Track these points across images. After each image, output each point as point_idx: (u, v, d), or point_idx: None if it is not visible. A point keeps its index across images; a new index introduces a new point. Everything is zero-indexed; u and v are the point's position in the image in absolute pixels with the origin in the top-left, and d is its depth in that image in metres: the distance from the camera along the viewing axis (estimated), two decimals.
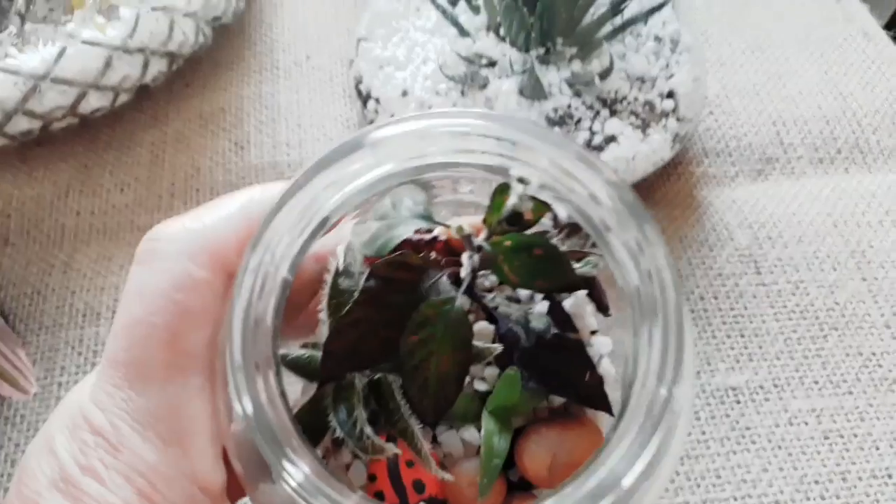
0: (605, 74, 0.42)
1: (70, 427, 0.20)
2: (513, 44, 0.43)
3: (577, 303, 0.26)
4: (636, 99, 0.43)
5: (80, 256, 0.42)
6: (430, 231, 0.25)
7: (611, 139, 0.42)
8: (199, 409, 0.21)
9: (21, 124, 0.42)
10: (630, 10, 0.44)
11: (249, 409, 0.19)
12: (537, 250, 0.23)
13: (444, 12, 0.43)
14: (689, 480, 0.37)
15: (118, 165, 0.46)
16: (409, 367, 0.22)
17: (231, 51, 0.51)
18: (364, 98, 0.44)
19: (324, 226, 0.22)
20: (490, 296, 0.26)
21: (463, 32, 0.44)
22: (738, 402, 0.39)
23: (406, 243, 0.25)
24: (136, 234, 0.43)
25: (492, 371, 0.24)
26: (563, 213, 0.23)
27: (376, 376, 0.23)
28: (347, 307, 0.23)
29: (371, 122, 0.44)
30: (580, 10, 0.42)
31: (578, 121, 0.42)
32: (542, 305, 0.25)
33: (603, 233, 0.21)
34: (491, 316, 0.25)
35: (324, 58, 0.51)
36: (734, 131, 0.50)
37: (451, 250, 0.26)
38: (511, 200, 0.23)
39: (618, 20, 0.44)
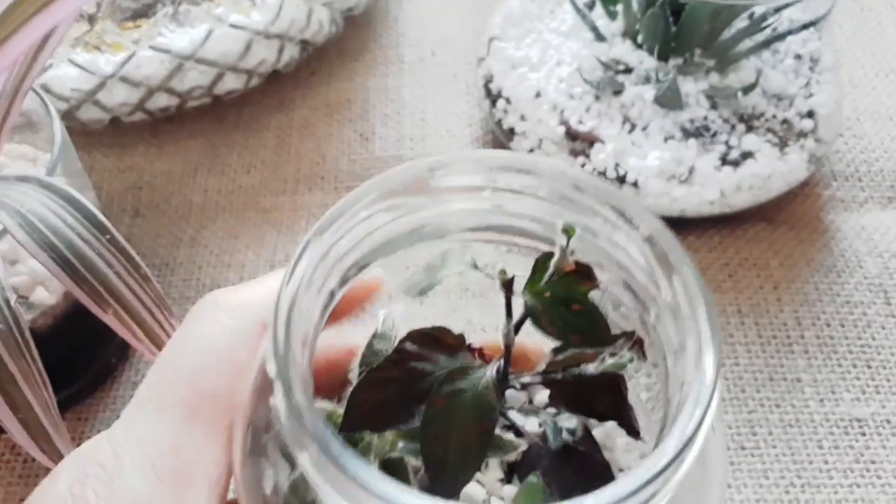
0: (748, 89, 0.41)
1: (78, 456, 0.20)
2: (650, 52, 0.42)
3: (606, 433, 0.25)
4: (774, 116, 0.42)
5: (207, 233, 0.43)
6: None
7: (747, 155, 0.41)
8: (203, 455, 0.20)
9: (160, 101, 0.43)
10: (777, 26, 0.43)
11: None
12: (576, 305, 0.23)
13: (582, 16, 0.43)
14: None
15: (245, 147, 0.47)
16: (431, 434, 0.21)
17: (357, 42, 0.52)
18: (493, 97, 0.44)
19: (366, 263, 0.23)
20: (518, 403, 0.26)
21: (599, 37, 0.43)
22: (864, 434, 0.38)
23: (444, 332, 0.24)
24: (261, 214, 0.44)
25: (510, 490, 0.24)
26: (604, 277, 0.23)
27: (392, 454, 0.23)
28: (378, 363, 0.23)
29: (499, 121, 0.44)
30: (722, 23, 0.42)
31: (715, 134, 0.41)
32: (570, 421, 0.25)
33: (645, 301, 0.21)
34: (516, 429, 0.24)
35: (448, 55, 0.51)
36: (865, 156, 0.48)
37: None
38: (554, 260, 0.23)
39: (760, 36, 0.43)
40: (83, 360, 0.36)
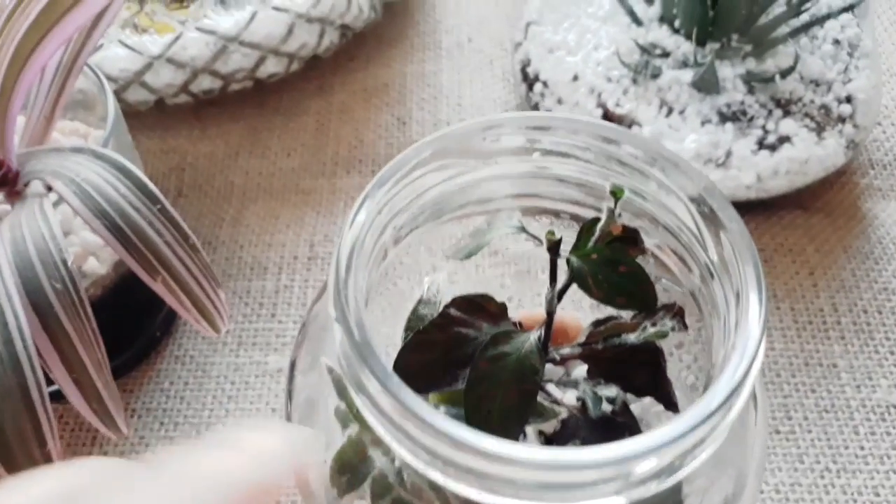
0: (786, 73, 0.41)
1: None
2: (688, 36, 0.42)
3: (644, 407, 0.25)
4: (812, 101, 0.42)
5: (248, 213, 0.44)
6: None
7: (784, 139, 0.41)
8: None
9: (204, 83, 0.44)
10: (814, 11, 0.43)
11: None
12: (622, 267, 0.23)
13: (620, 1, 0.43)
14: (844, 494, 0.36)
15: (285, 130, 0.48)
16: (475, 396, 0.22)
17: (395, 28, 0.52)
18: (531, 81, 0.45)
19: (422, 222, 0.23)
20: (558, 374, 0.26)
21: (637, 22, 0.43)
22: None
23: (487, 300, 0.24)
24: (301, 196, 0.45)
25: None
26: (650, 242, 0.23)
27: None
28: (424, 327, 0.23)
29: (536, 105, 0.44)
30: (759, 8, 0.42)
31: (752, 118, 0.41)
32: (609, 391, 0.25)
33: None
34: (555, 401, 0.24)
35: (484, 40, 0.52)
36: None
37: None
38: (600, 224, 0.23)
39: (797, 21, 0.43)
40: (130, 332, 0.37)
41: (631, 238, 0.23)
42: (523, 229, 0.24)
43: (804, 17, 0.43)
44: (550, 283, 0.23)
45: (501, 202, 0.25)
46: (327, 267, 0.42)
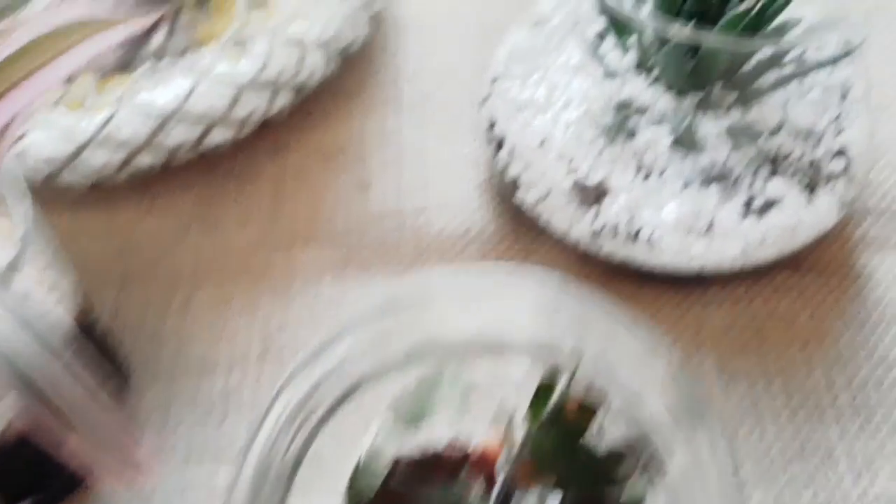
0: (774, 132, 0.38)
1: None
2: (667, 87, 0.39)
3: None
4: (801, 156, 0.39)
5: (198, 299, 0.41)
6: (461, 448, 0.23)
7: (772, 203, 0.38)
8: None
9: (145, 160, 0.41)
10: (804, 57, 0.39)
11: None
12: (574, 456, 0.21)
13: (591, 52, 0.40)
14: None
15: (239, 198, 0.45)
16: None
17: (354, 80, 0.49)
18: (497, 144, 0.41)
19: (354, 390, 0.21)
20: None
21: (610, 73, 0.40)
22: None
23: (437, 459, 0.23)
24: (256, 275, 0.42)
25: None
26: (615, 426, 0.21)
27: None
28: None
29: (503, 170, 0.41)
30: (743, 56, 0.38)
31: (737, 179, 0.38)
32: None
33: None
34: None
35: (451, 91, 0.48)
36: None
37: (484, 467, 0.24)
38: (555, 395, 0.21)
39: (785, 68, 0.39)
40: (27, 491, 0.34)
41: (588, 412, 0.20)
42: (467, 396, 0.22)
43: (793, 65, 0.40)
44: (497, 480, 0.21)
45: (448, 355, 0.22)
46: (281, 362, 0.39)
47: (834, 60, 0.37)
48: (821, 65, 0.37)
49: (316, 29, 0.41)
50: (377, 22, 0.50)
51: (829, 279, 0.41)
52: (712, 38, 0.34)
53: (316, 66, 0.43)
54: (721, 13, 0.36)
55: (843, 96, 0.41)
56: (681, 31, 0.34)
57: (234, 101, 0.40)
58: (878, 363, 0.38)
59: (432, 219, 0.43)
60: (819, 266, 0.41)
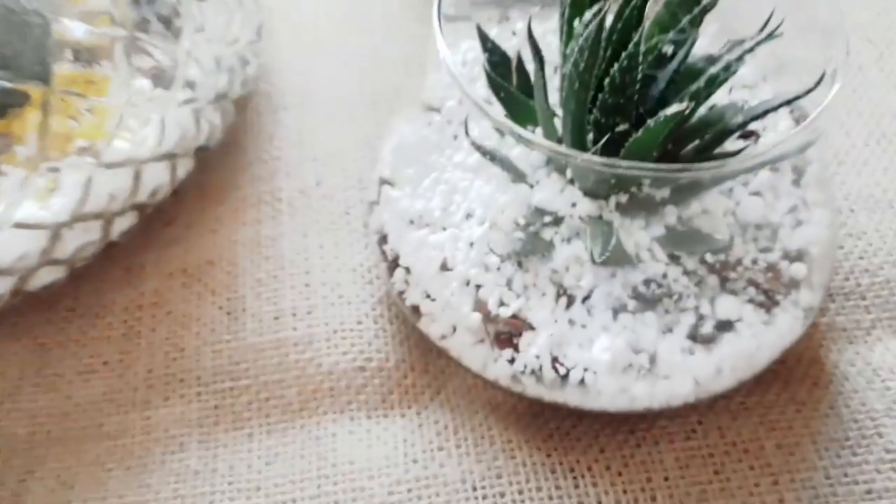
0: (724, 248, 0.31)
1: None
2: (583, 189, 0.32)
3: None
4: (754, 263, 0.32)
5: (34, 483, 0.33)
6: None
7: (725, 326, 0.31)
8: None
9: None
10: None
11: None
12: None
13: (488, 156, 0.32)
14: None
15: (82, 343, 0.36)
16: None
17: (221, 176, 0.41)
18: (391, 263, 0.34)
19: None
20: None
21: (518, 175, 0.33)
22: None
23: None
24: (105, 444, 0.34)
25: None
26: None
27: None
28: None
29: (401, 294, 0.34)
30: (678, 144, 0.31)
31: (679, 298, 0.31)
32: None
33: None
34: None
35: (337, 179, 0.40)
36: (865, 262, 0.39)
37: None
38: None
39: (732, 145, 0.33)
40: None
41: None
42: None
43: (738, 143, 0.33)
44: None
45: None
46: None
47: (800, 150, 0.30)
48: (779, 158, 0.31)
49: (150, 140, 0.33)
50: (243, 103, 0.42)
51: (795, 392, 0.35)
52: (639, 167, 0.27)
53: (159, 179, 0.35)
54: (645, 106, 0.29)
55: (797, 178, 0.34)
56: (589, 161, 0.27)
57: (53, 241, 0.32)
58: (862, 497, 0.32)
59: (321, 351, 0.35)
60: (782, 375, 0.35)
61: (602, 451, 0.33)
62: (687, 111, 0.27)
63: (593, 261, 0.29)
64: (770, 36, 0.29)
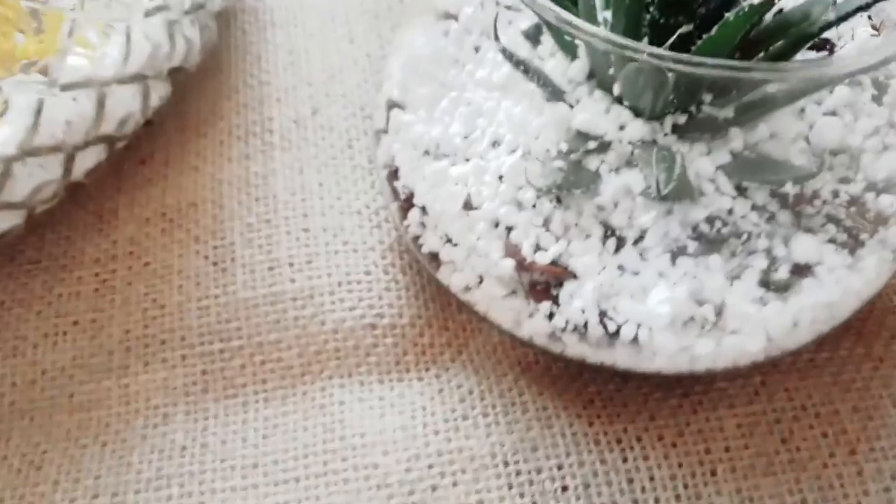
0: (807, 176, 0.26)
1: None
2: (634, 108, 0.27)
3: None
4: (835, 194, 0.27)
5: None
6: None
7: (803, 270, 0.26)
8: None
9: None
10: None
11: None
12: None
13: (521, 67, 0.27)
14: None
15: (48, 300, 0.32)
16: None
17: (202, 104, 0.35)
18: (404, 202, 0.29)
19: None
20: None
21: (554, 92, 0.27)
22: None
23: None
24: (78, 416, 0.29)
25: None
26: None
27: None
28: None
29: (416, 239, 0.29)
30: (749, 46, 0.26)
31: (748, 238, 0.26)
32: None
33: None
34: None
35: (337, 106, 0.35)
36: None
37: None
38: None
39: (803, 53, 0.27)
40: None
41: None
42: None
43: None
44: None
45: None
46: None
47: (888, 60, 0.25)
48: (868, 68, 0.25)
49: (113, 57, 0.27)
50: (226, 19, 0.36)
51: (870, 346, 0.30)
52: (709, 65, 0.22)
53: (130, 105, 0.30)
54: (709, 4, 0.24)
55: (880, 95, 0.29)
56: (652, 58, 0.21)
57: (3, 178, 0.27)
58: None
59: (325, 307, 0.31)
60: (854, 329, 0.30)
61: (652, 418, 0.29)
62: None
63: (658, 194, 0.24)
64: None
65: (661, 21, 0.24)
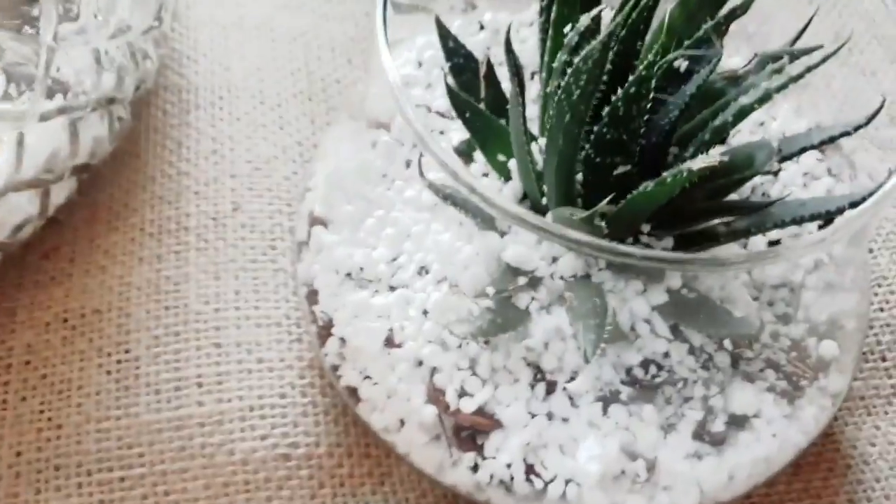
0: (748, 334, 0.24)
1: None
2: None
3: None
4: (775, 339, 0.26)
5: None
6: None
7: (740, 421, 0.25)
8: None
9: None
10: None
11: None
12: None
13: (447, 198, 0.25)
14: None
15: None
16: None
17: (114, 195, 0.33)
18: (322, 329, 0.27)
19: None
20: None
21: (485, 220, 0.26)
22: None
23: None
24: None
25: None
26: None
27: None
28: None
29: (334, 369, 0.27)
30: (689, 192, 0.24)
31: (683, 385, 0.25)
32: None
33: None
34: None
35: (261, 202, 0.33)
36: (886, 315, 0.33)
37: None
38: None
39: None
40: None
41: None
42: None
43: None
44: None
45: None
46: None
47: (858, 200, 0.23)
48: (834, 212, 0.24)
49: (2, 167, 0.25)
50: (146, 99, 0.34)
51: (808, 480, 0.29)
52: (652, 257, 0.20)
53: (26, 212, 0.27)
54: (650, 140, 0.22)
55: (823, 225, 0.28)
56: (575, 240, 0.20)
57: None
58: None
59: (234, 434, 0.28)
60: (794, 461, 0.29)
61: None
62: (718, 165, 0.20)
63: (585, 361, 0.22)
64: (823, 55, 0.23)
65: (597, 160, 0.23)
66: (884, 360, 0.32)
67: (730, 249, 0.25)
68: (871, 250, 0.34)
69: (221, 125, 0.34)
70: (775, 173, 0.28)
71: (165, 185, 0.33)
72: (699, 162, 0.20)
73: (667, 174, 0.21)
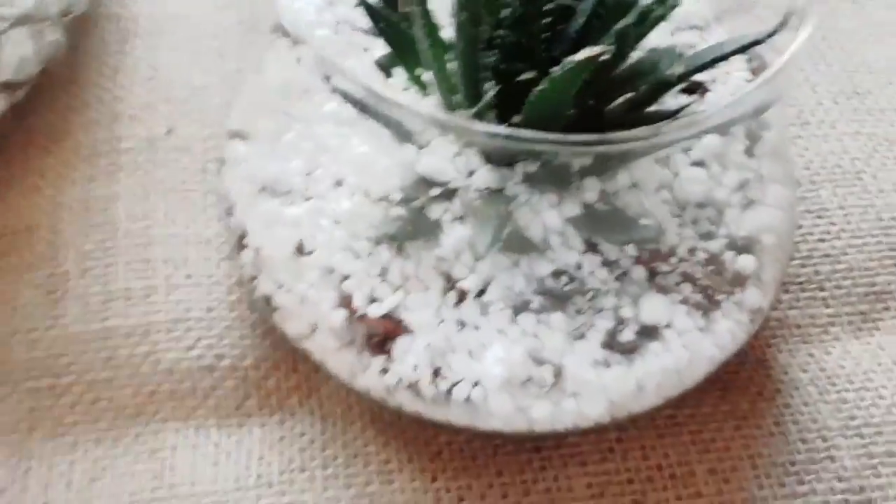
0: (652, 238, 0.24)
1: None
2: (486, 153, 0.25)
3: None
4: (692, 252, 0.26)
5: None
6: None
7: (650, 332, 0.25)
8: None
9: None
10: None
11: None
12: None
13: (361, 107, 0.25)
14: None
15: None
16: None
17: (50, 119, 0.33)
18: (238, 240, 0.27)
19: None
20: None
21: (403, 133, 0.26)
22: None
23: None
24: None
25: None
26: None
27: None
28: None
29: (251, 280, 0.27)
30: (604, 97, 0.24)
31: (594, 295, 0.25)
32: None
33: None
34: None
35: (195, 127, 0.33)
36: (826, 246, 0.33)
37: None
38: None
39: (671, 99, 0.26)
40: None
41: None
42: None
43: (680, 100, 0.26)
44: None
45: None
46: None
47: (757, 112, 0.23)
48: (730, 123, 0.24)
49: None
50: (85, 26, 0.34)
51: (735, 403, 0.29)
52: (537, 140, 0.20)
53: None
54: (560, 48, 0.22)
55: (752, 146, 0.28)
56: (469, 129, 0.20)
57: None
58: None
59: (160, 346, 0.29)
60: (720, 383, 0.29)
61: (499, 473, 0.27)
62: (607, 56, 0.20)
63: (475, 258, 0.22)
64: None
65: (502, 66, 0.23)
66: (822, 290, 0.32)
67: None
68: (813, 182, 0.34)
69: (159, 53, 0.34)
70: (700, 91, 0.28)
71: (100, 110, 0.33)
72: (585, 52, 0.20)
73: (556, 68, 0.21)
